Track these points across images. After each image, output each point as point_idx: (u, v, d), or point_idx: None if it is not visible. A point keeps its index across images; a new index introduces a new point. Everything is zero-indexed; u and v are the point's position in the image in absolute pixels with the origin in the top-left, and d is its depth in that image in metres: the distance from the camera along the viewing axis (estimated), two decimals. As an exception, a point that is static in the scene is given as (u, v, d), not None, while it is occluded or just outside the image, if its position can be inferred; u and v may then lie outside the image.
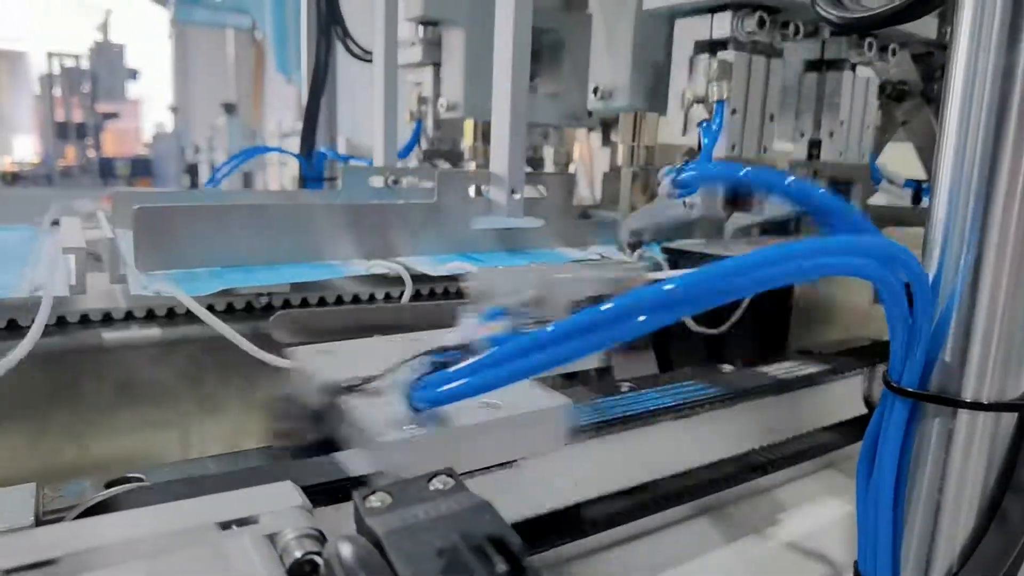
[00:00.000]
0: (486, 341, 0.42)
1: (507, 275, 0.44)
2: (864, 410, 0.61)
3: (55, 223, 0.98)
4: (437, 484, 0.25)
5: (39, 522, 0.29)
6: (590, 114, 0.95)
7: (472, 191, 0.62)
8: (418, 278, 0.55)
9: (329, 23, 1.02)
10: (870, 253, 0.29)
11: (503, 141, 0.61)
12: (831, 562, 0.49)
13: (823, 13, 0.41)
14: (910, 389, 0.35)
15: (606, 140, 1.06)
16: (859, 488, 0.39)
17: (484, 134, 0.90)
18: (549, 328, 0.28)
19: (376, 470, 0.32)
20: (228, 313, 0.52)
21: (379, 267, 0.53)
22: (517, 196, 0.62)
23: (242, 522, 0.24)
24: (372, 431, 0.33)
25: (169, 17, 3.22)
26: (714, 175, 0.43)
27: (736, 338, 0.77)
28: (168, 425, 0.52)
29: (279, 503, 0.25)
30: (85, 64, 4.31)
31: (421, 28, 0.83)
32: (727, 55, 0.51)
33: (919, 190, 0.62)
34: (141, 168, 4.04)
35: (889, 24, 0.48)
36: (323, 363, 0.41)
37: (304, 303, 0.52)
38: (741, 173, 0.36)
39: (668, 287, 0.26)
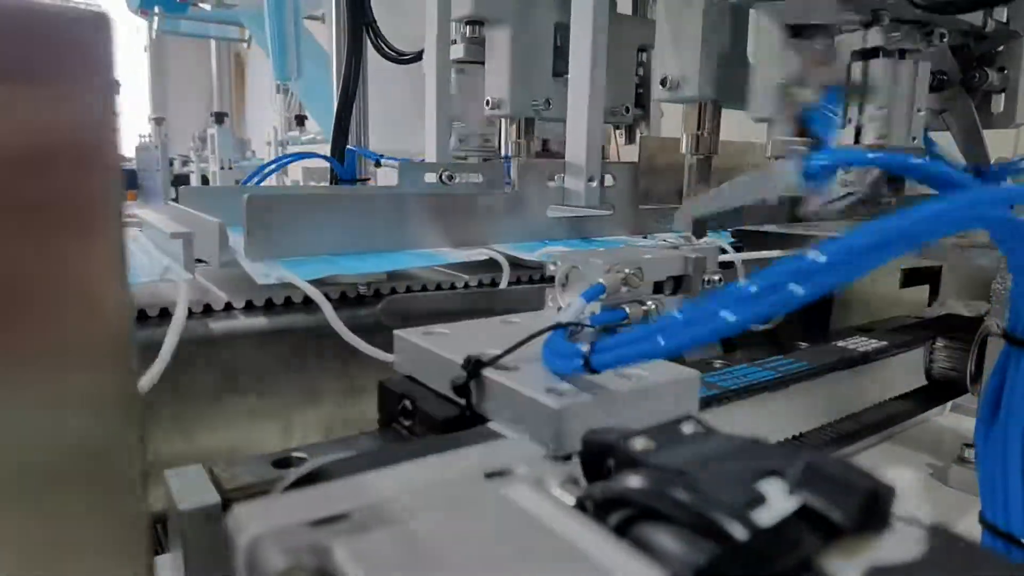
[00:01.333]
0: (596, 317, 0.44)
1: (598, 256, 0.46)
2: (925, 381, 0.64)
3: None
4: (687, 428, 0.25)
5: (225, 500, 0.30)
6: (627, 110, 0.98)
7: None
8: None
9: (360, 23, 1.04)
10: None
11: (580, 130, 0.63)
12: (920, 522, 0.51)
13: None
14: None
15: (630, 138, 1.09)
16: (978, 443, 0.41)
17: (521, 131, 0.92)
18: (742, 286, 0.29)
19: (535, 437, 0.33)
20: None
21: (479, 255, 0.54)
22: (594, 184, 0.64)
23: (502, 473, 0.24)
24: (537, 395, 0.34)
25: (153, 28, 3.19)
26: (845, 161, 0.45)
27: (785, 323, 0.80)
28: (270, 415, 0.53)
29: (525, 455, 0.26)
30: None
31: (467, 27, 0.85)
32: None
33: (979, 173, 0.65)
34: (126, 181, 3.98)
35: (978, 7, 0.51)
36: (443, 342, 0.41)
37: (407, 290, 0.53)
38: (871, 156, 0.38)
39: (864, 235, 0.27)
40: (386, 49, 1.03)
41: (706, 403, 0.45)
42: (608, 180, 0.67)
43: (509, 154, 0.93)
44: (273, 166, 1.05)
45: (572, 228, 0.66)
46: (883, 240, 0.27)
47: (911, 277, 0.85)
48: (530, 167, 0.63)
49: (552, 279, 0.50)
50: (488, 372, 0.36)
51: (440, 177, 0.82)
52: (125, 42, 4.73)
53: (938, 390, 0.61)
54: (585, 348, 0.33)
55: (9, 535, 0.18)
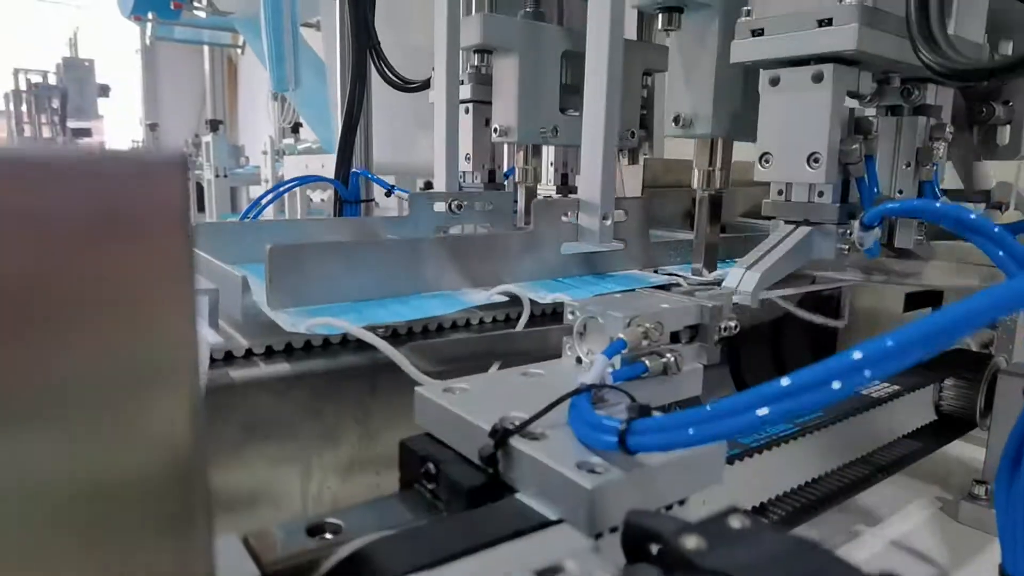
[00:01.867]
0: (617, 372, 0.44)
1: (616, 307, 0.46)
2: (935, 417, 0.65)
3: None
4: (735, 523, 0.26)
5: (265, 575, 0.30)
6: (632, 134, 0.98)
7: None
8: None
9: (365, 47, 1.04)
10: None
11: (595, 168, 0.63)
12: (933, 561, 0.52)
13: (929, 62, 0.44)
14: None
15: (634, 159, 1.10)
16: (999, 494, 0.42)
17: (528, 157, 0.93)
18: (778, 383, 0.29)
19: (567, 513, 0.33)
20: (342, 346, 0.53)
21: (498, 296, 0.54)
22: (608, 222, 0.64)
23: (553, 571, 0.25)
24: (568, 472, 0.33)
25: (146, 34, 3.16)
26: (901, 211, 0.46)
27: (794, 345, 0.80)
28: (290, 459, 0.53)
29: (571, 547, 0.26)
30: (53, 80, 4.22)
31: (475, 56, 0.85)
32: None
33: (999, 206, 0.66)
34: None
35: (1006, 75, 0.52)
36: (464, 402, 0.41)
37: (424, 331, 0.53)
38: (939, 206, 0.39)
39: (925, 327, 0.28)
40: (391, 76, 1.03)
41: (729, 460, 0.46)
42: (619, 215, 0.67)
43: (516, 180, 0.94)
44: (271, 196, 1.05)
45: (586, 263, 0.67)
46: (916, 340, 0.28)
47: (914, 300, 0.86)
48: (545, 206, 0.63)
49: (569, 325, 0.50)
50: (515, 441, 0.36)
51: (449, 206, 0.82)
52: (118, 42, 4.71)
53: (948, 426, 0.62)
54: (619, 424, 0.34)
55: (75, 564, 0.18)
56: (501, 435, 0.36)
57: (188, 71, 4.29)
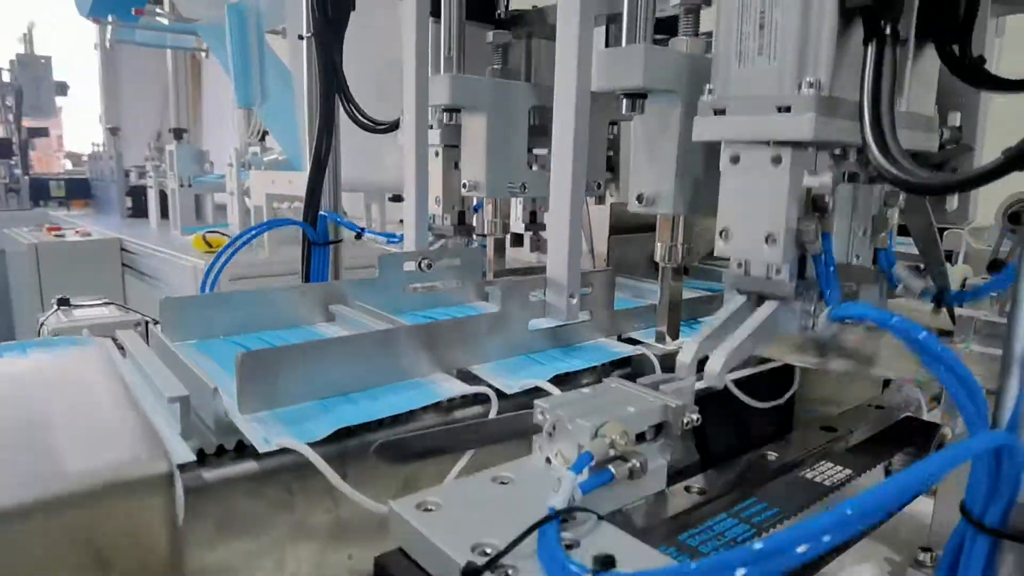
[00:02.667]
0: (585, 483, 0.45)
1: (583, 414, 0.48)
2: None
3: (63, 303, 0.96)
4: None
5: None
6: (598, 186, 1.00)
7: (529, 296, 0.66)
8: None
9: (332, 91, 1.03)
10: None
11: (562, 250, 0.65)
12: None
13: (898, 175, 0.46)
14: (992, 527, 0.40)
15: (600, 200, 1.11)
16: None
17: (498, 209, 0.94)
18: (757, 546, 0.31)
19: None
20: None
21: (465, 389, 0.56)
22: (575, 300, 0.66)
23: None
24: None
25: (106, 36, 3.09)
26: (864, 316, 0.48)
27: (758, 419, 0.83)
28: (263, 554, 0.54)
29: None
30: (7, 77, 4.10)
31: (443, 114, 0.86)
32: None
33: (940, 296, 0.69)
34: (78, 189, 3.87)
35: (979, 185, 0.55)
36: (438, 523, 0.42)
37: (395, 419, 0.54)
38: (892, 321, 0.42)
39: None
40: (361, 119, 1.03)
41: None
42: (586, 289, 0.69)
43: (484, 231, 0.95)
44: (239, 243, 1.04)
45: (552, 336, 0.68)
46: (870, 511, 0.31)
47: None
48: (513, 286, 0.65)
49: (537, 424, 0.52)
50: (490, 577, 0.38)
51: (419, 265, 0.83)
52: (76, 38, 4.58)
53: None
54: (586, 573, 0.36)
55: None
56: (473, 574, 0.38)
57: (150, 68, 4.18)
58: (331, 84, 1.03)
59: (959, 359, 0.40)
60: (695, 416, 0.52)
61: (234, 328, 0.70)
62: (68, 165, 5.35)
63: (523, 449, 0.53)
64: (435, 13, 0.87)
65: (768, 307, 0.59)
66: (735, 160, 0.59)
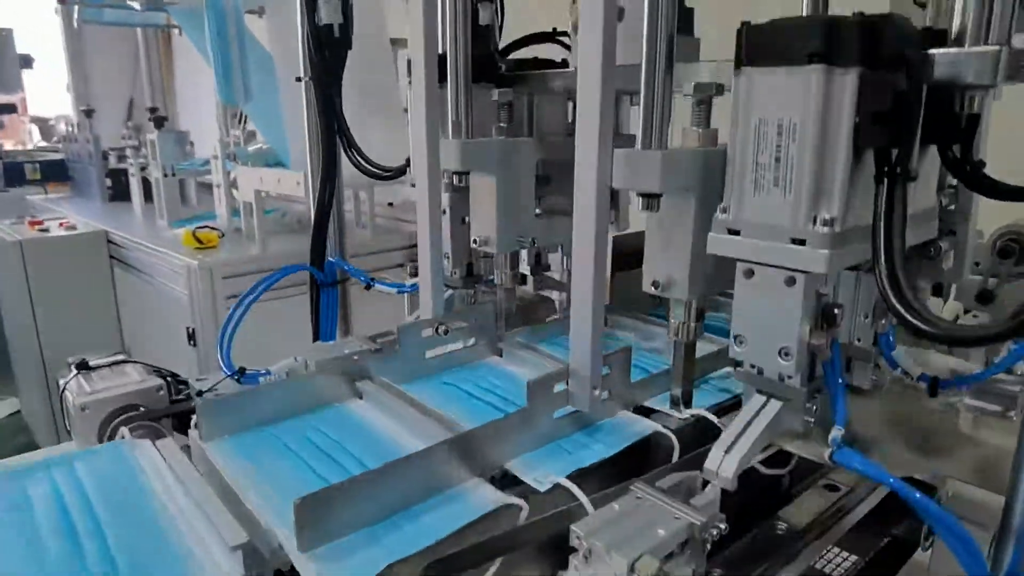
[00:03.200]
0: None
1: (615, 534, 0.52)
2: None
3: (82, 367, 0.98)
4: None
5: None
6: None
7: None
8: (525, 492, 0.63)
9: (333, 137, 1.03)
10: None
11: (585, 344, 0.68)
12: None
13: (916, 323, 0.50)
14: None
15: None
16: None
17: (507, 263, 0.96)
18: None
19: None
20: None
21: (499, 499, 0.60)
22: (597, 392, 0.70)
23: None
24: None
25: (73, 17, 2.97)
26: (863, 472, 0.53)
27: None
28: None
29: None
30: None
31: (454, 177, 0.87)
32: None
33: (935, 383, 0.73)
34: (54, 171, 3.77)
35: (988, 343, 0.58)
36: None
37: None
38: (891, 481, 0.46)
39: None
40: (365, 165, 1.04)
41: None
42: (605, 370, 0.72)
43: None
44: (258, 291, 1.05)
45: (575, 420, 0.72)
46: None
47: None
48: (539, 385, 0.68)
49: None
50: None
51: (436, 330, 0.86)
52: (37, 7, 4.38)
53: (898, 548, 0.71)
54: None
55: None
56: None
57: (118, 41, 4.04)
58: (332, 129, 1.03)
59: (955, 519, 0.45)
60: (723, 526, 0.57)
61: (266, 418, 0.73)
62: (36, 133, 5.20)
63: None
64: (441, 78, 0.87)
65: (774, 407, 0.63)
66: (749, 274, 0.62)
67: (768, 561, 0.65)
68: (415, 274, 1.07)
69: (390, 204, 2.91)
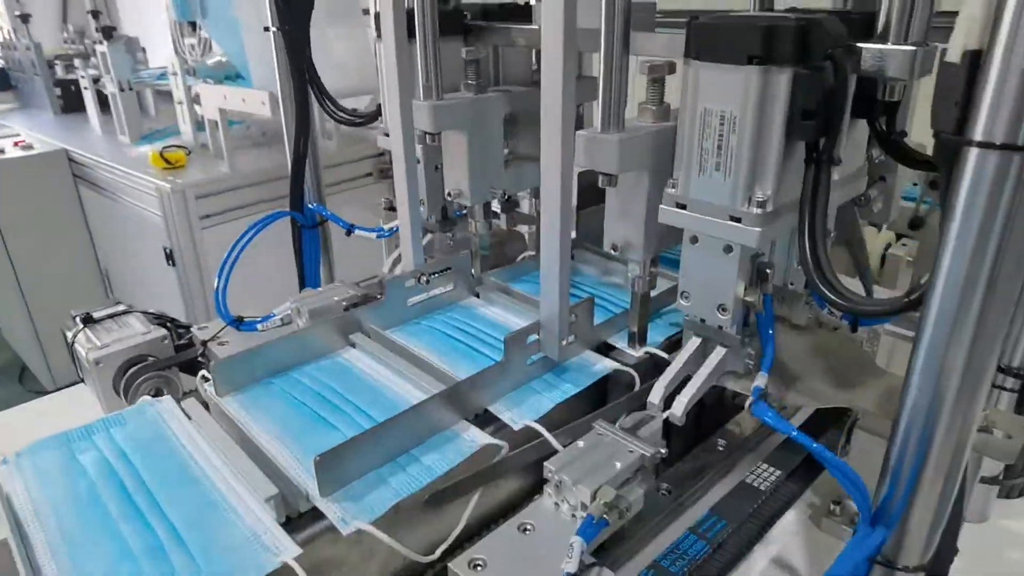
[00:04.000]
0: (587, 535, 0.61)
1: (583, 479, 0.64)
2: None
3: (88, 321, 1.04)
4: None
5: None
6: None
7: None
8: (501, 427, 0.74)
9: (305, 87, 1.06)
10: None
11: (553, 298, 0.77)
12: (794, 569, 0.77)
13: (831, 297, 0.59)
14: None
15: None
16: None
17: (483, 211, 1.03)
18: None
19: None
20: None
21: (485, 439, 0.71)
22: (565, 342, 0.80)
23: None
24: None
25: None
26: (775, 425, 0.64)
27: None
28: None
29: None
30: None
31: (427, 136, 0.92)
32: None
33: (856, 321, 0.84)
34: (-5, 82, 3.60)
35: (893, 315, 0.67)
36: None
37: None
38: (793, 433, 0.58)
39: None
40: (338, 113, 1.07)
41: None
42: (572, 317, 0.82)
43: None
44: (247, 237, 1.10)
45: (546, 365, 0.82)
46: None
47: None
48: (515, 339, 0.78)
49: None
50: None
51: (418, 280, 0.94)
52: None
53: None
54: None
55: None
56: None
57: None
58: (303, 79, 1.05)
59: (846, 464, 0.57)
60: (663, 451, 0.69)
61: (271, 369, 0.83)
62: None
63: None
64: (411, 33, 0.90)
65: (718, 354, 0.74)
66: (694, 240, 0.71)
67: (707, 475, 0.78)
68: (389, 208, 1.14)
69: (354, 110, 2.88)
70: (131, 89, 2.60)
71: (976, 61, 0.44)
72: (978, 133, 0.44)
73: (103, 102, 2.76)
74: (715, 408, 0.87)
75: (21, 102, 3.60)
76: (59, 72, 3.26)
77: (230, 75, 2.42)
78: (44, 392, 2.95)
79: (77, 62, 2.91)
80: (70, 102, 3.26)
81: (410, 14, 0.89)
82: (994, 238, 0.45)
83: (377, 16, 0.91)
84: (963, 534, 0.83)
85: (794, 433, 0.60)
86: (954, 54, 0.46)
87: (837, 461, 0.57)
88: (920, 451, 0.54)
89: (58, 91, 3.31)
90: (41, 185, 2.64)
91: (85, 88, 2.82)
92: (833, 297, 0.60)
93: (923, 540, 0.57)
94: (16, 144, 2.71)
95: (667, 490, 0.76)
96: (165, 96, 2.75)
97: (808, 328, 0.85)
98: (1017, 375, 0.81)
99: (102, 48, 2.54)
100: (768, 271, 0.72)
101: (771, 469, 0.79)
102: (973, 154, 0.44)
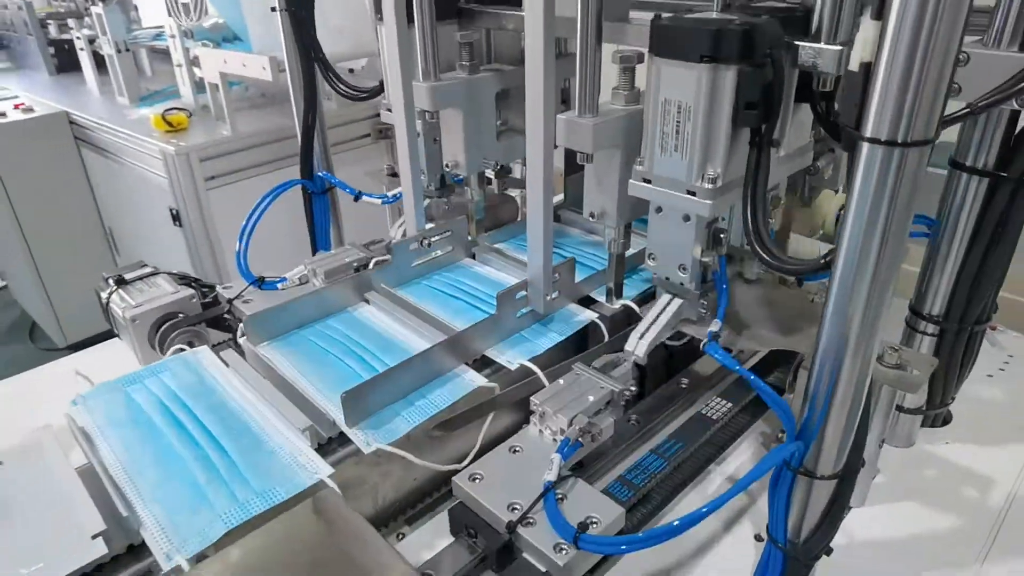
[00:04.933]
0: (565, 453, 0.75)
1: (561, 410, 0.77)
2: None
3: (120, 282, 1.16)
4: None
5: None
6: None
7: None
8: (497, 370, 0.88)
9: (312, 65, 1.15)
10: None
11: (538, 259, 0.90)
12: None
13: (765, 258, 0.72)
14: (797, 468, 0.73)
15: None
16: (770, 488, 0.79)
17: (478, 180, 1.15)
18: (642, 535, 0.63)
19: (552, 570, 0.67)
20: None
21: (482, 381, 0.84)
22: (550, 297, 0.92)
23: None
24: (550, 554, 0.67)
25: None
26: (723, 361, 0.77)
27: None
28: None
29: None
30: None
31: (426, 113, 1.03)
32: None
33: (800, 279, 0.96)
34: (-11, 42, 3.61)
35: (811, 274, 0.80)
36: (484, 491, 0.73)
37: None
38: (736, 367, 0.71)
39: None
40: (342, 87, 1.16)
41: (631, 506, 0.80)
42: (556, 276, 0.94)
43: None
44: (263, 205, 1.21)
45: (533, 317, 0.95)
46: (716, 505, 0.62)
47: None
48: (506, 295, 0.90)
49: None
50: (520, 529, 0.69)
51: (421, 243, 1.06)
52: None
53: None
54: (574, 530, 0.67)
55: None
56: (511, 527, 0.70)
57: None
58: (309, 57, 1.15)
59: (774, 391, 0.70)
60: (633, 389, 0.83)
61: (296, 323, 0.95)
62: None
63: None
64: (410, 19, 0.99)
65: (676, 304, 0.87)
66: (659, 210, 0.83)
67: (671, 408, 0.92)
68: (392, 174, 1.25)
69: (351, 71, 2.93)
70: (128, 50, 2.65)
71: (868, 71, 0.56)
72: (868, 130, 0.56)
73: (99, 62, 2.81)
74: (684, 355, 1.00)
75: (14, 62, 3.62)
76: (52, 32, 3.29)
77: (227, 37, 2.47)
78: (56, 348, 3.10)
79: (71, 22, 2.95)
80: (64, 62, 3.29)
81: (409, 2, 0.99)
82: (882, 215, 0.58)
83: (378, 1, 1.01)
84: (891, 456, 0.99)
85: (737, 367, 0.73)
86: (854, 64, 0.57)
87: (765, 387, 0.71)
88: (832, 380, 0.68)
89: (52, 51, 3.33)
90: (43, 148, 2.71)
91: (81, 49, 2.87)
92: (767, 258, 0.72)
93: (835, 453, 0.71)
94: (16, 107, 2.77)
95: (636, 420, 0.90)
96: (161, 55, 2.80)
97: (759, 281, 0.98)
98: (936, 322, 0.95)
99: (98, 9, 2.58)
100: (722, 235, 0.84)
101: (724, 402, 0.93)
102: (865, 147, 0.56)
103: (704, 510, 0.62)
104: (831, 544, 0.75)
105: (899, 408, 1.03)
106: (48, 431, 0.78)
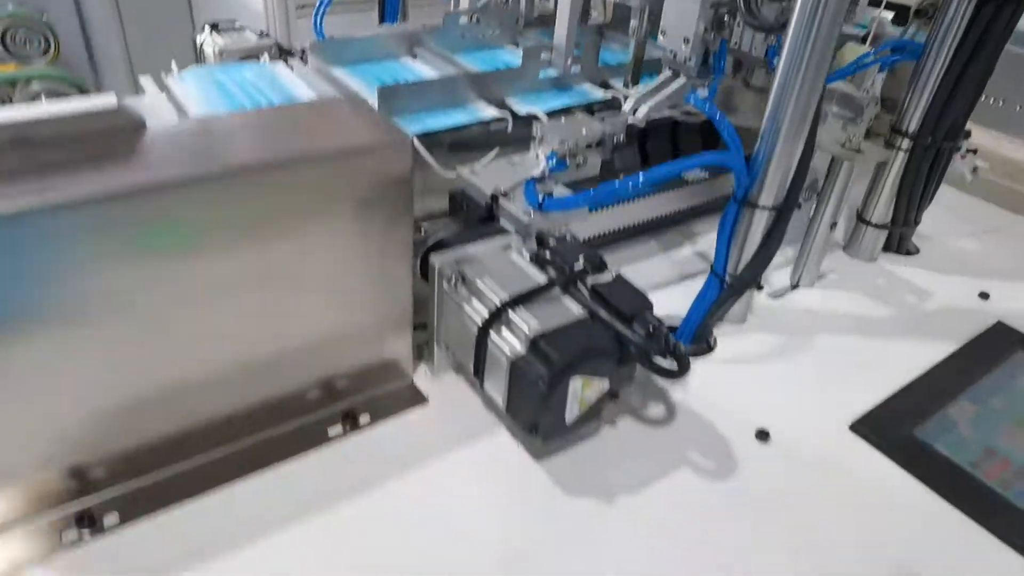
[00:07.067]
0: (552, 167, 0.90)
1: (558, 128, 0.91)
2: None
3: (215, 28, 1.35)
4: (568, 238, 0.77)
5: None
6: None
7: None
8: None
9: None
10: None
11: (563, 26, 1.03)
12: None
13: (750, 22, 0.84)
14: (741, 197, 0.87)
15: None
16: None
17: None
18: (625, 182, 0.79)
19: (519, 229, 0.84)
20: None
21: (494, 113, 1.00)
22: (569, 62, 1.06)
23: (508, 246, 0.77)
24: (521, 215, 0.84)
25: None
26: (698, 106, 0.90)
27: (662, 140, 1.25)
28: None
29: (516, 242, 0.78)
30: None
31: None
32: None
33: None
34: None
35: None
36: (479, 178, 0.90)
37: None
38: (706, 108, 0.84)
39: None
40: None
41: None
42: (578, 52, 1.08)
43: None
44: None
45: (554, 84, 1.09)
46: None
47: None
48: (531, 54, 1.04)
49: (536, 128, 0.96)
50: (501, 200, 0.86)
51: (470, 19, 1.21)
52: None
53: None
54: (541, 197, 0.83)
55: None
56: (494, 198, 0.86)
57: None
58: None
59: (728, 126, 0.83)
60: (621, 136, 0.97)
61: (356, 58, 1.12)
62: None
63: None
64: None
65: (679, 82, 0.99)
66: (674, -13, 0.95)
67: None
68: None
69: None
70: None
71: None
72: None
73: None
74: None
75: None
76: None
77: None
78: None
79: None
80: None
81: None
82: None
83: None
84: (851, 268, 1.12)
85: (707, 107, 0.86)
86: None
87: (727, 125, 0.84)
88: (779, 117, 0.81)
89: None
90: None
91: None
92: (748, 18, 0.84)
93: (775, 188, 0.85)
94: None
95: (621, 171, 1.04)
96: None
97: (763, 91, 1.09)
98: (912, 137, 1.05)
99: None
100: (725, 19, 0.95)
101: (702, 172, 1.06)
102: None
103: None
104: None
105: (864, 220, 1.14)
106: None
